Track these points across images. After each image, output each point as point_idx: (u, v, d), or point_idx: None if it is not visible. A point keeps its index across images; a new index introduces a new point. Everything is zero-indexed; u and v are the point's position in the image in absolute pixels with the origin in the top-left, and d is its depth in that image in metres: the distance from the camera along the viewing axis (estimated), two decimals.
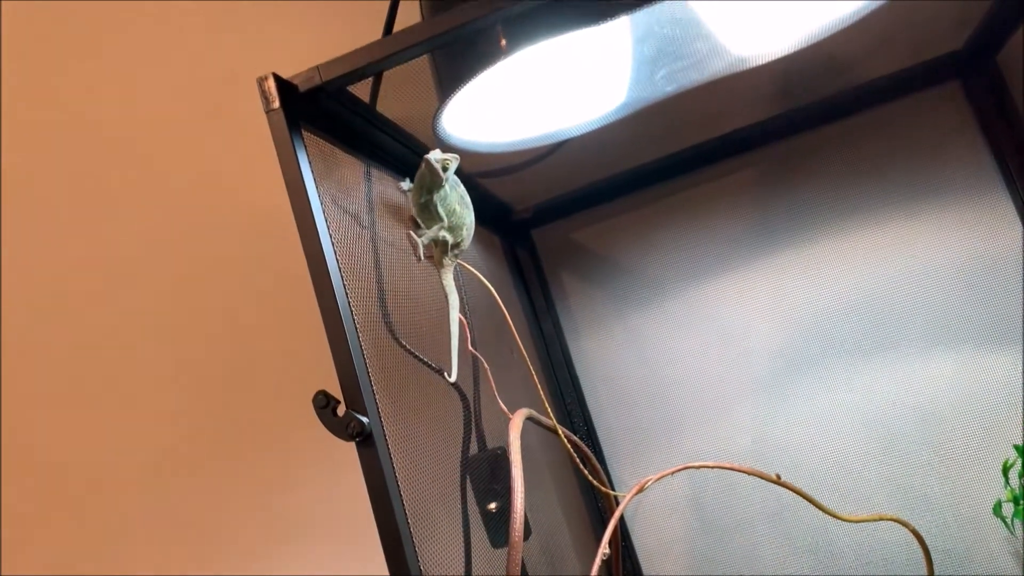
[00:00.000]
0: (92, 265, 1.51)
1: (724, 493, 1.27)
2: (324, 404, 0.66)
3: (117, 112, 1.49)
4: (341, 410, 0.66)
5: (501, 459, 0.98)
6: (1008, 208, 1.20)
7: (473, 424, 0.99)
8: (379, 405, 0.70)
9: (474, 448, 0.99)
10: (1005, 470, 1.11)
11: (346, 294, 0.69)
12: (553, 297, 1.37)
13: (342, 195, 0.79)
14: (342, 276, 0.70)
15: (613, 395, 1.35)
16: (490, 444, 1.02)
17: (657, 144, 1.28)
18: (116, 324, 1.50)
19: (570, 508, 1.24)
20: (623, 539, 1.29)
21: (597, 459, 1.29)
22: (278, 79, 0.71)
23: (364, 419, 0.66)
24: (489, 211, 1.30)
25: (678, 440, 1.30)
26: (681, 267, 1.32)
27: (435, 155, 0.84)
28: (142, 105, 1.48)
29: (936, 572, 1.15)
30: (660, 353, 1.32)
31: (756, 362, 1.28)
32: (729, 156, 1.30)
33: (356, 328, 0.69)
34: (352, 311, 0.69)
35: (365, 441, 0.66)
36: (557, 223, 1.37)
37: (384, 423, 0.70)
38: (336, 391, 0.68)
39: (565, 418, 1.32)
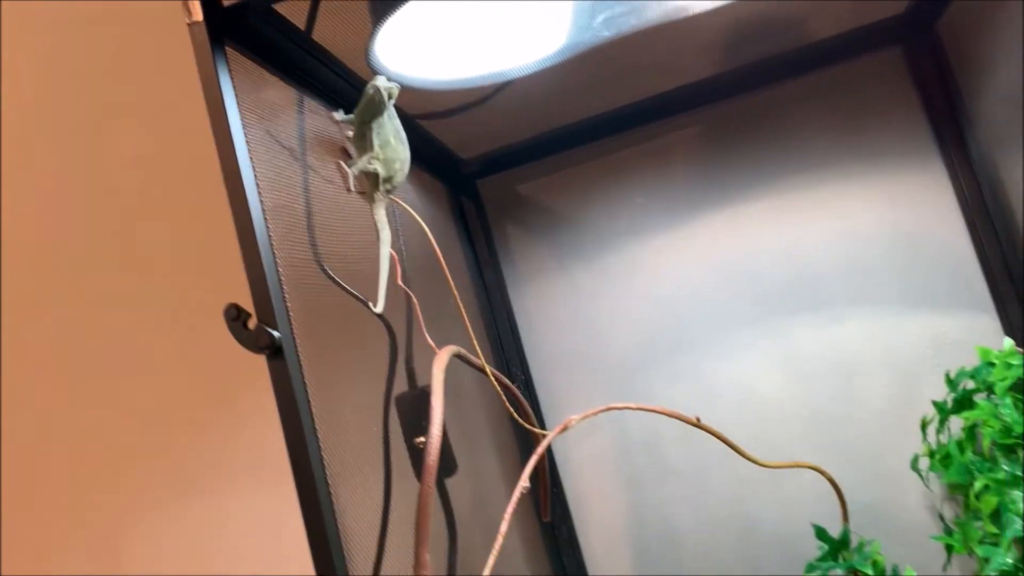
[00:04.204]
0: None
1: (650, 444, 1.30)
2: (235, 316, 0.66)
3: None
4: (252, 323, 0.67)
5: (429, 396, 1.00)
6: (941, 173, 1.23)
7: (402, 361, 0.99)
8: (293, 324, 0.70)
9: (404, 385, 1.00)
10: (923, 426, 1.14)
11: (262, 209, 0.69)
12: (496, 247, 1.38)
13: (269, 118, 0.79)
14: (259, 191, 0.70)
15: (553, 348, 1.37)
16: (420, 384, 1.03)
17: (601, 99, 1.29)
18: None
19: (503, 449, 1.26)
20: (554, 486, 1.32)
21: (534, 409, 1.32)
22: None
23: (275, 333, 0.66)
24: (436, 159, 1.30)
25: (615, 390, 1.32)
26: (622, 222, 1.34)
27: (382, 81, 0.85)
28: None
29: (855, 525, 1.19)
30: (599, 305, 1.34)
31: (690, 316, 1.30)
32: (671, 114, 1.31)
33: (271, 244, 0.69)
34: (268, 226, 0.70)
35: (275, 355, 0.66)
36: (503, 174, 1.38)
37: (298, 342, 0.71)
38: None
39: (504, 367, 1.34)
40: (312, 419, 0.70)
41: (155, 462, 1.44)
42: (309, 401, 0.70)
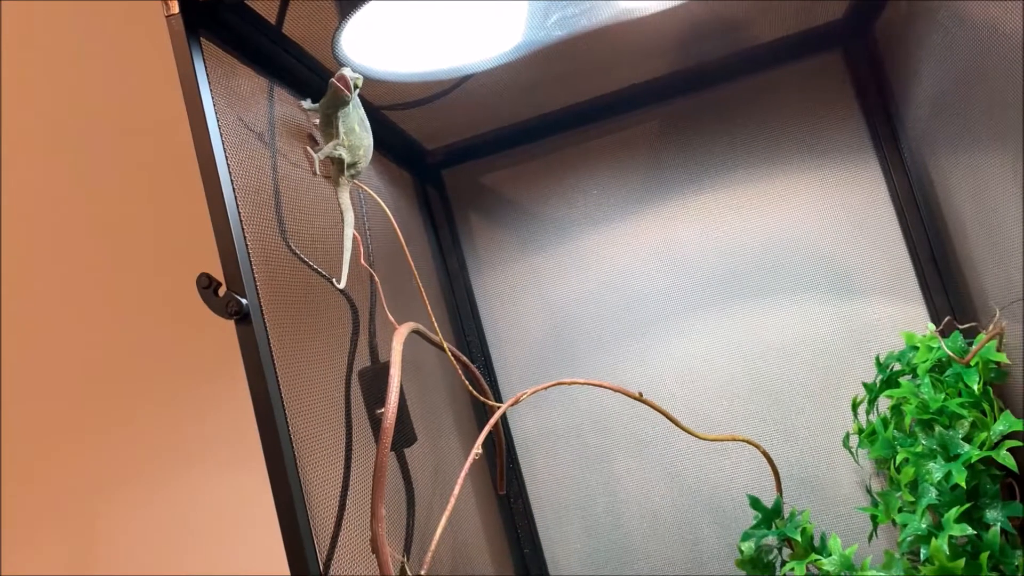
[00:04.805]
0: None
1: (599, 421, 1.37)
2: (207, 284, 0.72)
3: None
4: (222, 291, 0.73)
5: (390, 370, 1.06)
6: (875, 169, 1.31)
7: (365, 337, 1.06)
8: (260, 294, 0.77)
9: (366, 361, 1.06)
10: (854, 406, 1.22)
11: (233, 188, 0.75)
12: (460, 235, 1.45)
13: (240, 105, 0.85)
14: (231, 172, 0.76)
15: (512, 331, 1.43)
16: (382, 359, 1.09)
17: (559, 95, 1.35)
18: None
19: (461, 424, 1.32)
20: (510, 461, 1.39)
21: (493, 388, 1.38)
22: None
23: (243, 300, 0.72)
24: (402, 148, 1.37)
25: (569, 370, 1.39)
26: (581, 212, 1.41)
27: (348, 71, 0.91)
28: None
29: (791, 498, 1.27)
30: (558, 292, 1.41)
31: (639, 301, 1.37)
32: (628, 110, 1.39)
33: (240, 217, 0.75)
34: (238, 203, 0.76)
35: (243, 320, 0.73)
36: (467, 164, 1.45)
37: (265, 311, 0.77)
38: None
39: (465, 348, 1.40)
40: (278, 383, 0.76)
41: (128, 439, 1.49)
42: (275, 366, 0.76)
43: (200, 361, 1.47)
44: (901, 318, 1.29)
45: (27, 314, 1.54)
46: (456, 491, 0.93)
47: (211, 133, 0.75)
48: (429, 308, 1.05)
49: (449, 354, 1.08)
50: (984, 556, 0.96)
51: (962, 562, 0.97)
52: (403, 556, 0.97)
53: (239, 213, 0.76)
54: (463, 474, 0.95)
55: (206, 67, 0.78)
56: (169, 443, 1.48)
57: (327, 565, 0.78)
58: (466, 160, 1.45)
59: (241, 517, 1.44)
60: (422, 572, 0.89)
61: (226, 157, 0.76)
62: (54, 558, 1.50)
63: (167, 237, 1.48)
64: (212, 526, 1.46)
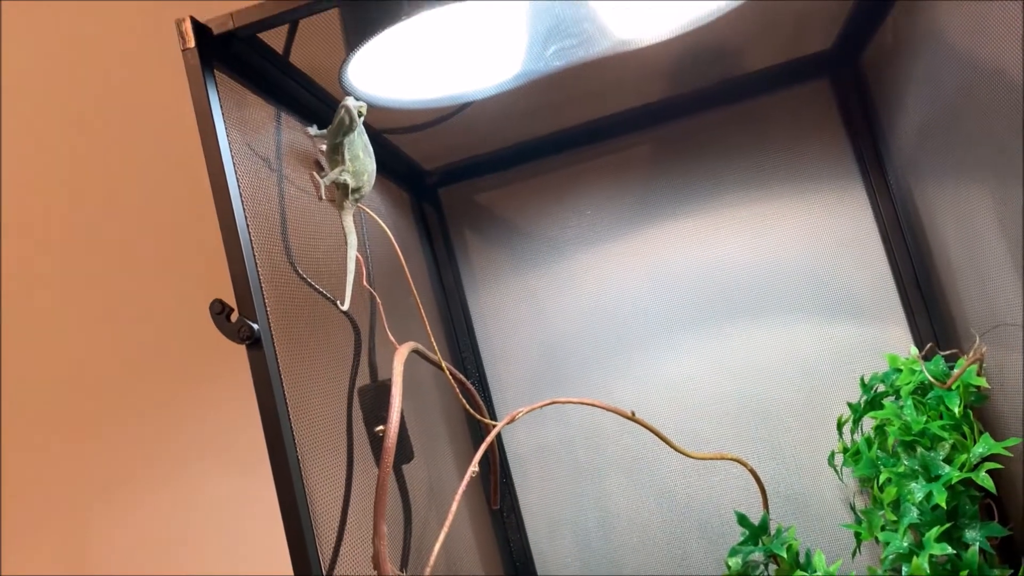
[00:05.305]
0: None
1: (591, 438, 1.41)
2: (219, 311, 0.75)
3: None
4: (234, 317, 0.75)
5: (390, 389, 1.09)
6: (861, 195, 1.35)
7: (365, 355, 1.08)
8: (270, 318, 0.79)
9: (366, 379, 1.09)
10: (839, 425, 1.25)
11: (245, 215, 0.78)
12: (456, 253, 1.48)
13: (251, 133, 0.88)
14: (243, 200, 0.79)
15: (506, 347, 1.46)
16: (381, 377, 1.12)
17: (554, 119, 1.39)
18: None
19: (456, 441, 1.35)
20: (503, 477, 1.41)
21: (486, 403, 1.41)
22: (195, 22, 0.79)
23: (254, 325, 0.75)
24: (401, 169, 1.40)
25: (561, 387, 1.42)
26: (574, 232, 1.44)
27: (352, 101, 0.93)
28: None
29: (777, 515, 1.30)
30: (549, 308, 1.44)
31: (630, 320, 1.41)
32: (621, 134, 1.42)
33: (252, 245, 0.78)
34: (250, 231, 0.78)
35: (254, 345, 0.75)
36: (463, 184, 1.48)
37: (274, 335, 0.80)
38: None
39: (460, 364, 1.43)
40: (286, 403, 0.79)
41: (127, 441, 1.52)
42: (283, 387, 0.79)
43: (199, 364, 1.49)
44: (885, 340, 1.32)
45: (29, 322, 1.56)
46: (453, 508, 0.96)
47: (224, 161, 0.77)
48: (428, 328, 1.08)
49: (447, 373, 1.11)
50: (963, 575, 1.00)
51: None
52: (401, 572, 0.99)
53: (251, 240, 0.78)
54: (460, 491, 0.98)
55: (219, 97, 0.81)
56: (168, 444, 1.50)
57: (329, 574, 0.81)
58: (462, 179, 1.48)
59: (239, 518, 1.46)
60: None
61: (238, 185, 0.79)
62: (54, 559, 1.52)
63: (167, 242, 1.51)
64: (211, 527, 1.48)
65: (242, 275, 0.76)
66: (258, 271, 0.78)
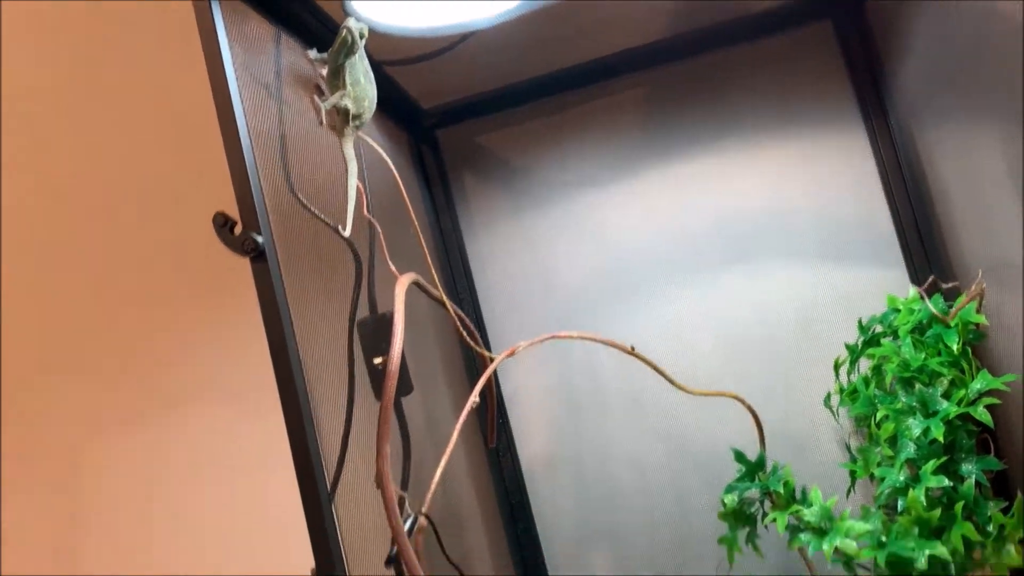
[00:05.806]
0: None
1: (591, 376, 1.41)
2: (223, 223, 0.74)
3: None
4: (238, 230, 0.74)
5: (390, 322, 1.08)
6: (862, 140, 1.34)
7: (365, 287, 1.07)
8: (273, 234, 0.78)
9: (365, 310, 1.08)
10: (836, 367, 1.26)
11: (248, 131, 0.77)
12: (453, 194, 1.47)
13: (253, 52, 0.86)
14: (245, 115, 0.78)
15: (504, 291, 1.46)
16: (381, 310, 1.11)
17: (555, 57, 1.37)
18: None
19: (454, 377, 1.35)
20: (500, 416, 1.42)
21: (484, 346, 1.41)
22: None
23: (258, 238, 0.74)
24: (400, 108, 1.38)
25: (560, 328, 1.40)
26: (572, 174, 1.43)
27: (354, 23, 0.92)
28: None
29: (773, 455, 1.31)
30: (548, 250, 1.44)
31: (630, 262, 1.41)
32: (619, 75, 1.41)
33: (255, 160, 0.77)
34: (253, 147, 0.77)
35: (259, 258, 0.74)
36: (461, 125, 1.47)
37: (278, 250, 0.79)
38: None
39: (457, 306, 1.42)
40: (290, 319, 0.78)
41: (134, 383, 1.50)
42: (288, 303, 0.78)
43: (201, 301, 1.47)
44: (884, 283, 1.32)
45: (43, 257, 1.54)
46: (454, 437, 0.96)
47: (228, 76, 0.76)
48: (429, 259, 1.08)
49: (448, 306, 1.10)
50: (959, 506, 1.00)
51: (938, 512, 1.01)
52: (403, 492, 0.99)
53: (254, 156, 0.77)
54: (462, 417, 0.98)
55: (223, 13, 0.79)
56: (163, 380, 1.49)
57: (333, 488, 0.81)
58: (461, 120, 1.46)
59: (239, 455, 1.45)
60: (423, 511, 0.92)
61: (242, 100, 0.77)
62: (52, 489, 1.51)
63: (180, 174, 1.48)
64: (209, 465, 1.47)
65: (245, 187, 0.74)
66: (262, 187, 0.77)
